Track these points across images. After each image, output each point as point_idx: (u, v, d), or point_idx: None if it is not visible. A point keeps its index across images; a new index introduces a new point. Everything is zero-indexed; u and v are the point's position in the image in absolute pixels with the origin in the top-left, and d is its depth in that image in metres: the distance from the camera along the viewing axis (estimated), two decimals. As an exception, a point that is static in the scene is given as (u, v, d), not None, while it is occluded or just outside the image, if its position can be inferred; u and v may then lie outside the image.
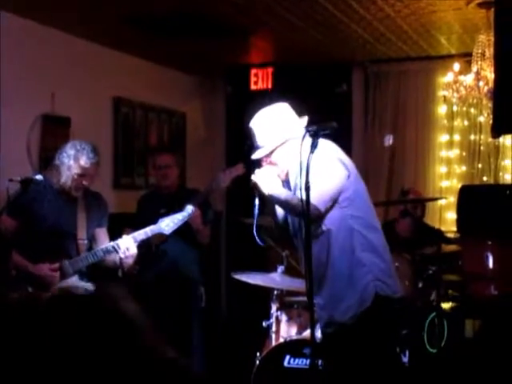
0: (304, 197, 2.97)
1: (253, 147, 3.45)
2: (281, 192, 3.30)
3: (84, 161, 4.06)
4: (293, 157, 3.30)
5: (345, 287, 3.27)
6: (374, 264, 3.28)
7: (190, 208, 4.32)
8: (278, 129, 3.39)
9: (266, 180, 3.31)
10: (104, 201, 4.44)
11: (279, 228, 3.59)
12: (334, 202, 3.25)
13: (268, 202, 3.42)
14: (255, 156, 3.43)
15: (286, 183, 3.44)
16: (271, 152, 3.37)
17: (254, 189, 3.35)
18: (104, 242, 4.30)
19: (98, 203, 4.37)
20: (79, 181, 4.10)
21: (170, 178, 5.04)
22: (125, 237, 4.16)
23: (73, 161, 4.06)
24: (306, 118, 3.46)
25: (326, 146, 3.31)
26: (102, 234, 4.36)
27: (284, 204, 3.32)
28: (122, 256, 4.14)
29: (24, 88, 5.56)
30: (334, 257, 3.27)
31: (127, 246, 4.12)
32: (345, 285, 3.27)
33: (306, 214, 2.97)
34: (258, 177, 3.34)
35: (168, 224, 4.23)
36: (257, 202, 3.36)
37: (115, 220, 4.68)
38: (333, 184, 3.25)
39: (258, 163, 3.45)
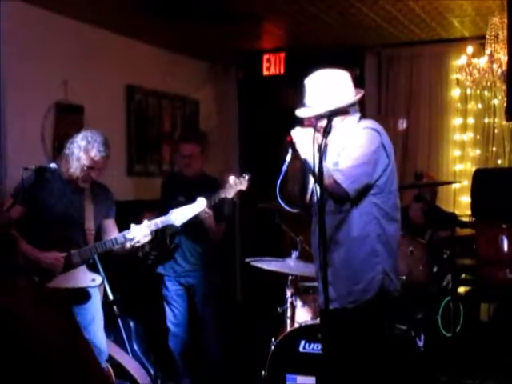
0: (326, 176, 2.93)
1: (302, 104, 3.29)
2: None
3: (94, 153, 4.06)
4: (339, 130, 3.22)
5: (353, 273, 3.25)
6: (385, 257, 3.25)
7: (201, 201, 4.26)
8: (333, 94, 3.26)
9: (306, 143, 3.13)
10: (110, 193, 4.43)
11: (301, 195, 3.46)
12: (367, 188, 3.19)
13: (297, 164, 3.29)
14: (301, 114, 3.29)
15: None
16: (321, 116, 3.19)
17: (289, 144, 3.18)
18: (113, 232, 4.29)
19: (105, 195, 4.37)
20: (87, 172, 4.10)
21: (192, 168, 5.02)
22: (133, 226, 4.13)
23: (83, 152, 4.06)
24: (362, 92, 3.38)
25: (375, 128, 3.24)
26: (110, 224, 4.35)
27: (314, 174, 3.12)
28: (137, 244, 4.14)
29: (37, 76, 5.57)
30: (351, 240, 3.24)
31: (140, 234, 4.11)
32: (354, 270, 3.25)
33: (320, 196, 2.95)
34: (297, 135, 3.18)
35: (177, 217, 4.18)
36: (288, 158, 3.19)
37: (129, 207, 4.68)
38: (370, 171, 3.17)
39: (300, 120, 3.29)
